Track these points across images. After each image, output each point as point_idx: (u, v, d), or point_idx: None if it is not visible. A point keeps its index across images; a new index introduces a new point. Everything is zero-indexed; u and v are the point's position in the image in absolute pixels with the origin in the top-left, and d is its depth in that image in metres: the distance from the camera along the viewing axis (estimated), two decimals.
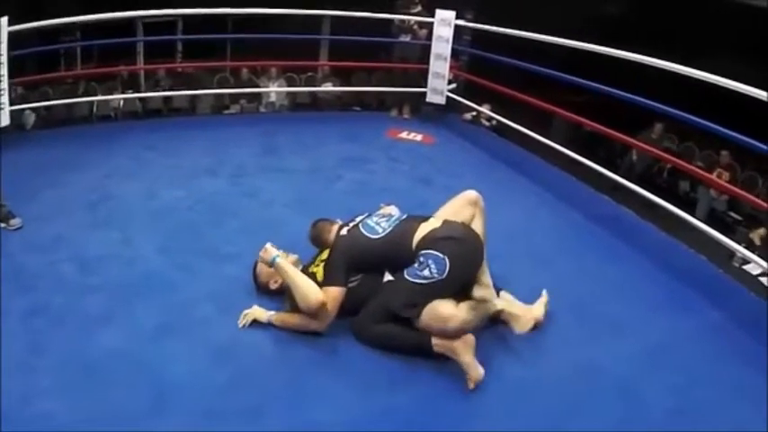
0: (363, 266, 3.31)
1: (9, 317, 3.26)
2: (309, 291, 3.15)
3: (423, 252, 3.11)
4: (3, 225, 4.28)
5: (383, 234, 3.28)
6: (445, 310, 3.03)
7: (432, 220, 3.32)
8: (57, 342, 3.10)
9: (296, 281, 3.20)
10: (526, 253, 3.79)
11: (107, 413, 2.69)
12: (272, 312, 3.35)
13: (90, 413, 2.68)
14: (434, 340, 3.06)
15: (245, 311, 3.36)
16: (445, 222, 3.27)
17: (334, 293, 3.19)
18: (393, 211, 3.81)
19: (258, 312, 3.35)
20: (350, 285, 3.26)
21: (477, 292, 3.16)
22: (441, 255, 3.06)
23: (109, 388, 2.82)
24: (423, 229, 3.22)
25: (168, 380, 2.89)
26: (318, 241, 3.63)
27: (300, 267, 3.45)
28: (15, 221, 4.32)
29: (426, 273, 3.05)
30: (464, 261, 3.14)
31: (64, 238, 4.15)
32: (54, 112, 9.96)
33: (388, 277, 3.23)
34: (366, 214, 3.54)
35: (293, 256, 3.50)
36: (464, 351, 3.01)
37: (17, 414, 2.64)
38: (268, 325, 3.30)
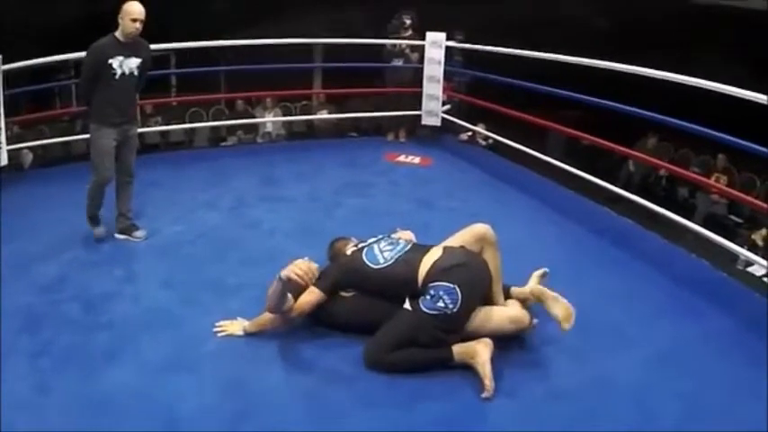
0: (355, 288, 3.41)
1: (15, 357, 3.26)
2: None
3: (432, 284, 3.16)
4: (125, 237, 4.73)
5: (384, 265, 3.33)
6: (515, 310, 3.34)
7: (434, 249, 3.35)
8: (64, 381, 3.10)
9: None
10: (529, 268, 3.78)
11: None
12: (246, 323, 3.49)
13: None
14: (455, 348, 3.12)
15: (223, 323, 3.53)
16: (445, 250, 3.33)
17: (314, 294, 3.33)
18: (406, 236, 3.84)
19: (235, 327, 3.51)
20: (345, 295, 3.41)
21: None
22: (450, 285, 3.11)
23: (118, 424, 2.81)
24: (426, 262, 3.25)
25: (178, 414, 2.88)
26: (335, 259, 3.71)
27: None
28: (140, 233, 4.72)
29: (440, 304, 3.11)
30: (473, 285, 3.20)
31: (67, 277, 4.17)
32: (51, 151, 9.98)
33: (407, 305, 3.22)
34: (379, 237, 3.59)
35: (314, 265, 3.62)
36: (484, 351, 3.07)
37: None
38: (274, 356, 3.32)
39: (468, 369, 3.09)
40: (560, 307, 3.27)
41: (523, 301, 3.46)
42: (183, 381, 3.11)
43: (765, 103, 3.83)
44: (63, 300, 3.88)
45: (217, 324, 3.53)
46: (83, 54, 4.53)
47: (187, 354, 3.33)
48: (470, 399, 2.99)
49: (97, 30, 4.44)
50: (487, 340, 3.13)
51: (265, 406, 2.96)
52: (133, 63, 4.45)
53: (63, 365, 3.22)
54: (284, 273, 3.06)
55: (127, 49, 4.41)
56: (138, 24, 4.34)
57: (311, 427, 2.84)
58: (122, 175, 4.65)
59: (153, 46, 4.70)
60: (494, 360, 3.06)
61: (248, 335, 3.45)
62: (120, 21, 4.35)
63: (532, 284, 3.55)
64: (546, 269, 3.65)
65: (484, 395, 2.97)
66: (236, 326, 3.51)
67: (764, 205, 4.74)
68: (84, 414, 2.87)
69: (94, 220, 4.65)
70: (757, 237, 8.51)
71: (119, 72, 4.40)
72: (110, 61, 4.35)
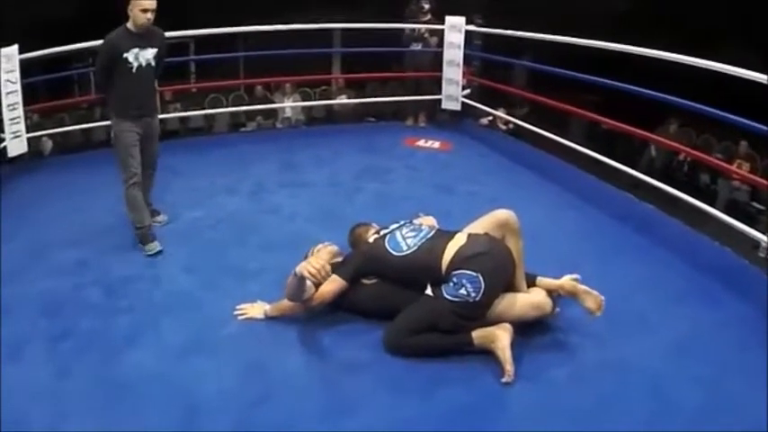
0: (377, 276, 3.41)
1: (35, 342, 3.29)
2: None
3: (455, 272, 3.14)
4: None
5: (407, 252, 3.31)
6: (539, 297, 3.32)
7: (458, 236, 3.32)
8: (84, 365, 3.13)
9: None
10: (551, 254, 3.77)
11: None
12: (267, 306, 3.51)
13: None
14: (475, 333, 3.11)
15: (244, 307, 3.55)
16: (470, 237, 3.29)
17: (336, 282, 3.32)
18: (429, 221, 3.82)
19: (255, 310, 3.53)
20: (367, 283, 3.41)
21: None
22: (474, 273, 3.10)
23: (139, 408, 2.83)
24: (450, 249, 3.22)
25: (198, 398, 2.90)
26: (357, 246, 3.70)
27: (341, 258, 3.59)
28: (161, 218, 4.77)
29: (463, 292, 3.10)
30: (497, 273, 3.17)
31: (87, 262, 4.19)
32: (71, 138, 10.03)
33: (428, 291, 3.22)
34: (401, 223, 3.57)
35: (334, 248, 3.67)
36: (504, 336, 3.06)
37: None
38: (294, 340, 3.33)
39: (487, 354, 3.08)
40: (592, 299, 3.25)
41: (549, 292, 3.42)
42: (204, 364, 3.13)
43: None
44: (83, 284, 3.91)
45: (237, 307, 3.55)
46: (98, 42, 4.46)
47: (207, 337, 3.36)
48: (490, 384, 2.98)
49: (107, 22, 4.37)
50: (507, 325, 3.12)
51: (285, 390, 2.97)
52: (149, 54, 4.34)
53: (83, 349, 3.25)
54: (299, 269, 3.05)
55: (141, 41, 4.28)
56: (149, 15, 4.18)
57: (330, 411, 2.84)
58: (145, 167, 4.55)
59: (170, 33, 4.60)
60: (513, 345, 3.05)
61: (269, 318, 3.47)
62: (129, 12, 4.20)
63: (563, 280, 3.50)
64: (577, 275, 3.52)
65: (504, 380, 2.96)
66: (257, 309, 3.53)
67: None
68: (105, 398, 2.90)
69: (145, 234, 4.36)
70: None
71: (135, 65, 4.28)
72: (125, 55, 4.23)
